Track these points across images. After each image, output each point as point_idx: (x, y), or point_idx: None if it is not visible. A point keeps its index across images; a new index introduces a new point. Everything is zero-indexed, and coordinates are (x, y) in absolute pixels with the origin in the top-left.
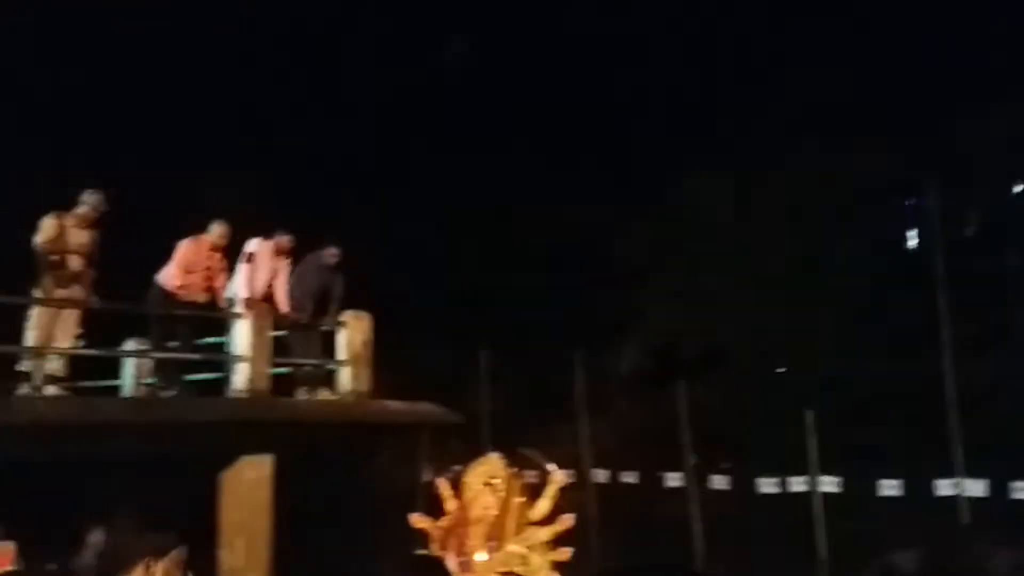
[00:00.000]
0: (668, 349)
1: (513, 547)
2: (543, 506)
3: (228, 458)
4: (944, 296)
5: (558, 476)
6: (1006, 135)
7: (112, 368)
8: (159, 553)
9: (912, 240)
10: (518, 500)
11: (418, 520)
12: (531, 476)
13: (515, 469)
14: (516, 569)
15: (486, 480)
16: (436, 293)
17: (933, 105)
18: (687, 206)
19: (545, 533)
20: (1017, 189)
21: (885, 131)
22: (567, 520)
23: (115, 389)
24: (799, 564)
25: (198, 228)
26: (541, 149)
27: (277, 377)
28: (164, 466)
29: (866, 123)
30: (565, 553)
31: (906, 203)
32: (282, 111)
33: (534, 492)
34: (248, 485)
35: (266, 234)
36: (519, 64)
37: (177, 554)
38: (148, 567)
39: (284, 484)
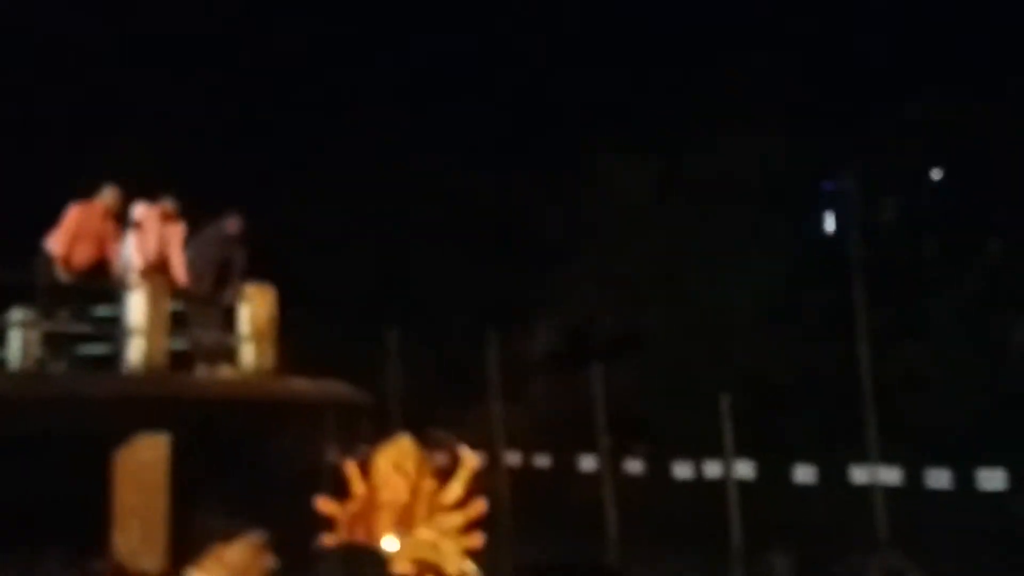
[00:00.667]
0: (583, 330)
1: (424, 533)
2: (455, 490)
3: (122, 436)
4: (860, 282)
5: (470, 459)
6: (923, 121)
7: None
8: (231, 537)
9: (829, 225)
10: (429, 484)
11: (324, 504)
12: (442, 459)
13: (426, 452)
14: (427, 556)
15: (396, 463)
16: (346, 268)
17: (851, 91)
18: (605, 187)
19: (457, 518)
20: (935, 175)
21: (803, 116)
22: (479, 505)
23: (0, 362)
24: (713, 552)
25: (89, 192)
26: (457, 125)
27: (176, 353)
28: (54, 444)
29: (784, 108)
30: (477, 539)
31: (824, 187)
32: (181, 72)
33: (446, 476)
34: (143, 465)
35: (151, 199)
36: (433, 38)
37: (256, 537)
38: (221, 551)
39: (182, 464)
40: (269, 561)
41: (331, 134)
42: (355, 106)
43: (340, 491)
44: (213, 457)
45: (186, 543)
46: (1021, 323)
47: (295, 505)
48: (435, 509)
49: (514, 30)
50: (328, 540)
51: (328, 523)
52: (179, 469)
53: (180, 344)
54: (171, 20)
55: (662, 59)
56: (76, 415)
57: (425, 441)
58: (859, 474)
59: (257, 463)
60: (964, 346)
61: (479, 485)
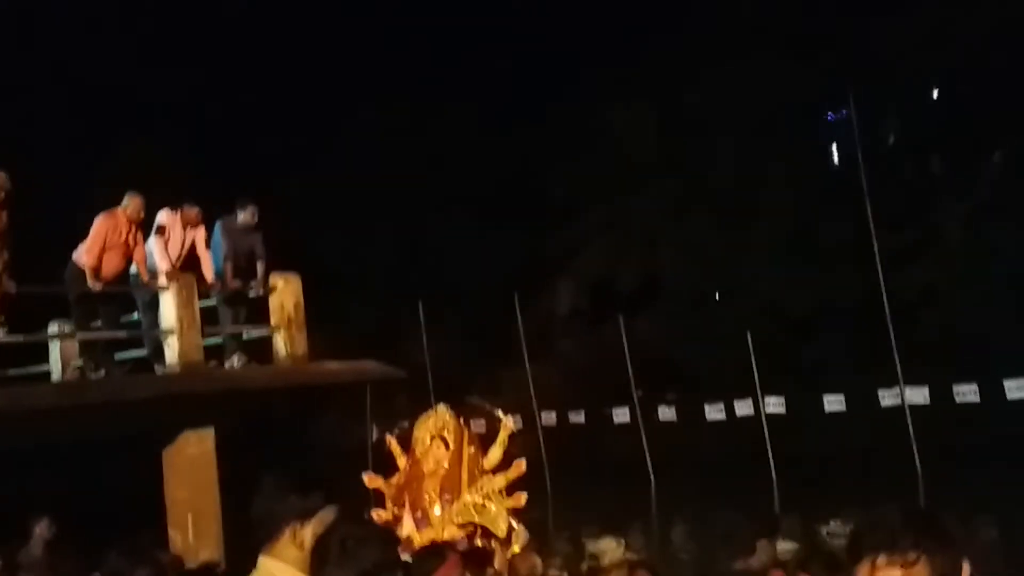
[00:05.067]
0: (603, 284)
1: (469, 497)
2: (495, 454)
3: (168, 435)
4: (871, 207)
5: (508, 422)
6: (920, 38)
7: (38, 353)
8: (305, 516)
9: (835, 154)
10: (470, 450)
11: (371, 479)
12: (479, 424)
13: (463, 419)
14: (474, 519)
15: (435, 433)
16: (364, 247)
17: (845, 14)
18: (608, 137)
19: (499, 480)
20: (935, 93)
21: (799, 45)
22: (520, 466)
23: (43, 375)
24: (753, 489)
25: (111, 202)
26: (458, 93)
27: (209, 348)
28: (103, 449)
29: (780, 39)
30: (521, 498)
31: (828, 116)
32: (184, 71)
33: (484, 440)
34: (191, 460)
35: (173, 205)
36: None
37: (325, 514)
38: (295, 532)
39: (229, 456)
40: (345, 534)
41: (337, 118)
42: (359, 85)
43: (384, 465)
44: (259, 445)
45: (241, 533)
46: None
47: (342, 484)
48: (478, 473)
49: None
50: (377, 514)
51: (376, 497)
52: (227, 461)
53: (213, 340)
54: (174, 18)
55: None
56: (121, 419)
57: (462, 409)
58: (888, 397)
59: (302, 446)
60: (978, 258)
61: (517, 446)
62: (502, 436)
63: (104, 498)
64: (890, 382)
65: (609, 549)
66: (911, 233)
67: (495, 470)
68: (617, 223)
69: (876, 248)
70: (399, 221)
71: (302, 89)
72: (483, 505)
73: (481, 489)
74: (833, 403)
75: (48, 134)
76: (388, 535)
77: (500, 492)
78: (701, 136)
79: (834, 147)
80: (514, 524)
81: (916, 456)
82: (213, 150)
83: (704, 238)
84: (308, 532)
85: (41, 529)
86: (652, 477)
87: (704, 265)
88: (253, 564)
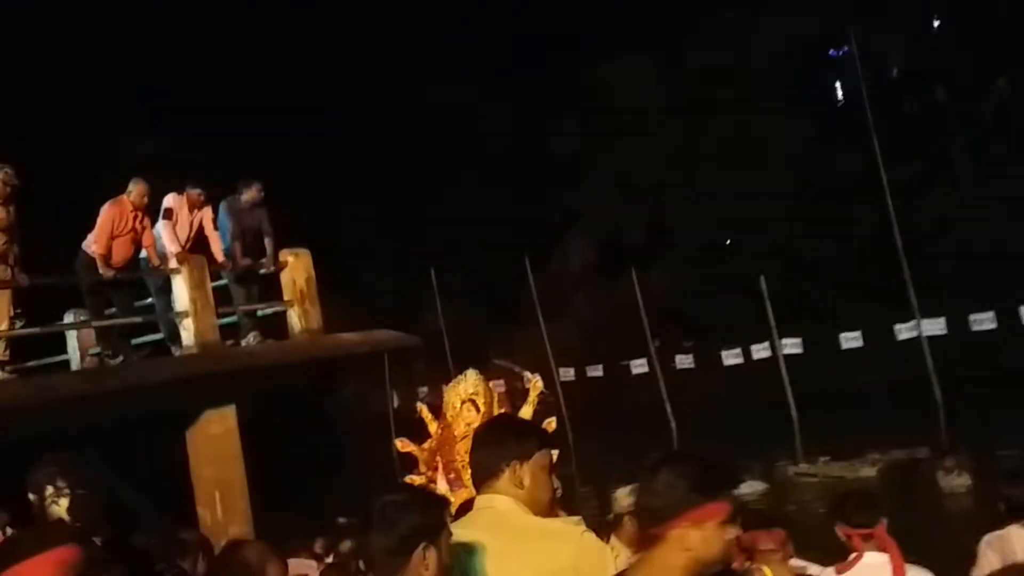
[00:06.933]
0: (613, 238)
1: None
2: (526, 413)
3: (190, 415)
4: (878, 142)
5: (536, 382)
6: None
7: (56, 344)
8: (523, 456)
9: (839, 91)
10: (500, 412)
11: (403, 444)
12: (498, 385)
13: (491, 381)
14: None
15: (465, 397)
16: (373, 217)
17: None
18: (608, 93)
19: None
20: (936, 23)
21: None
22: (551, 424)
23: (63, 364)
24: (773, 428)
25: (117, 190)
26: (456, 58)
27: (224, 327)
28: (126, 434)
29: None
30: (553, 455)
31: (830, 54)
32: (181, 52)
33: (512, 401)
34: (215, 439)
35: (178, 189)
36: None
37: (541, 456)
38: (515, 470)
39: (252, 432)
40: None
41: (338, 91)
42: (357, 58)
43: (409, 432)
44: (282, 420)
45: (271, 506)
46: None
47: (367, 452)
48: None
49: None
50: (410, 479)
51: (407, 463)
52: (251, 437)
53: (228, 319)
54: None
55: None
56: (142, 402)
57: (488, 372)
58: (904, 331)
59: (325, 418)
60: (987, 185)
61: (546, 405)
62: (532, 396)
63: (131, 482)
64: (906, 316)
65: (622, 495)
66: (920, 165)
67: None
68: (622, 177)
69: (885, 182)
70: (405, 190)
71: (302, 65)
72: None
73: None
74: (850, 340)
75: (51, 126)
76: (429, 499)
77: None
78: (703, 84)
79: (838, 85)
80: None
81: (936, 387)
82: (215, 130)
83: (711, 186)
84: (527, 471)
85: None
86: (673, 424)
87: (713, 213)
88: (283, 536)
